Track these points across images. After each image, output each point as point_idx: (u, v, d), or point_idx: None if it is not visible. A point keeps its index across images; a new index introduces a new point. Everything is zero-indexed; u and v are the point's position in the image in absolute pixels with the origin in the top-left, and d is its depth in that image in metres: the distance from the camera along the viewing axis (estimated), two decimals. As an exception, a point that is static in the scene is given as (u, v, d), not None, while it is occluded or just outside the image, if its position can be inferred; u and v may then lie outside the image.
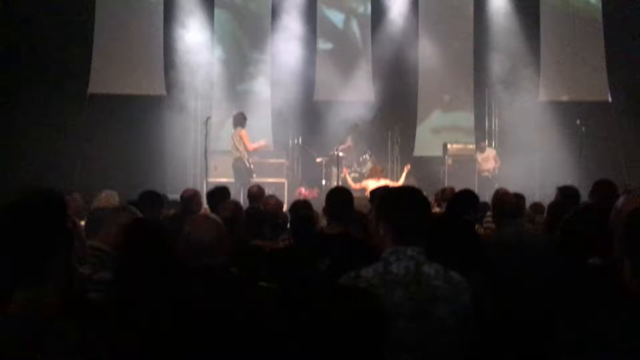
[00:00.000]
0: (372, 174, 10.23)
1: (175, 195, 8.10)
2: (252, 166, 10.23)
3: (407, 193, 2.45)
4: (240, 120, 10.24)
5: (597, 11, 12.90)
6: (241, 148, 10.07)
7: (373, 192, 5.61)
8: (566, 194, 4.74)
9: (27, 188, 2.91)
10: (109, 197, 5.98)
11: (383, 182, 10.01)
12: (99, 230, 3.49)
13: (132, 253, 2.50)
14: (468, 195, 4.52)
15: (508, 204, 4.09)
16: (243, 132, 10.14)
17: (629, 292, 1.84)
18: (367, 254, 3.30)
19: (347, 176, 10.68)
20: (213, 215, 2.65)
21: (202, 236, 2.52)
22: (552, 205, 4.53)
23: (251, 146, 10.16)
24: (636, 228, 1.87)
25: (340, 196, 3.84)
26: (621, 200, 2.78)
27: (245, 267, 2.82)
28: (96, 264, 3.13)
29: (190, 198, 5.57)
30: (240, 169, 10.14)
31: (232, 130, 10.36)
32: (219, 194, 5.33)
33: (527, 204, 6.09)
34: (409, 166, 10.95)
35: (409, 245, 2.28)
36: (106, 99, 11.86)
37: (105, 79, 12.05)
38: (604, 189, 4.33)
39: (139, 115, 11.69)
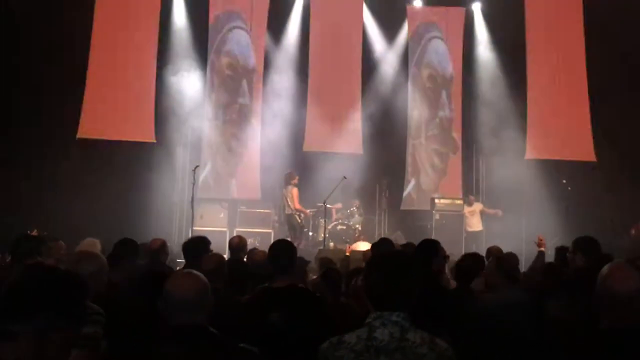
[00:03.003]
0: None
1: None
2: (303, 222, 11.05)
3: (387, 260, 2.40)
4: (290, 179, 10.85)
5: (582, 69, 13.18)
6: (292, 205, 10.70)
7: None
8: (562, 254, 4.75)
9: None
10: (90, 245, 5.86)
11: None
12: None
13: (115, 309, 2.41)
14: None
15: (508, 264, 3.78)
16: (295, 190, 10.79)
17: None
18: (317, 306, 3.50)
19: None
20: (195, 272, 2.57)
21: (182, 293, 2.43)
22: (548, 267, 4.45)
23: (297, 205, 10.83)
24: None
25: (282, 248, 3.74)
26: (606, 269, 2.58)
27: (226, 325, 2.74)
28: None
29: (158, 250, 5.43)
30: (293, 224, 10.89)
31: (284, 189, 10.89)
32: (198, 246, 4.88)
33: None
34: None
35: (394, 310, 2.23)
36: (95, 144, 11.81)
37: (95, 124, 12.01)
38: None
39: (127, 162, 11.59)
